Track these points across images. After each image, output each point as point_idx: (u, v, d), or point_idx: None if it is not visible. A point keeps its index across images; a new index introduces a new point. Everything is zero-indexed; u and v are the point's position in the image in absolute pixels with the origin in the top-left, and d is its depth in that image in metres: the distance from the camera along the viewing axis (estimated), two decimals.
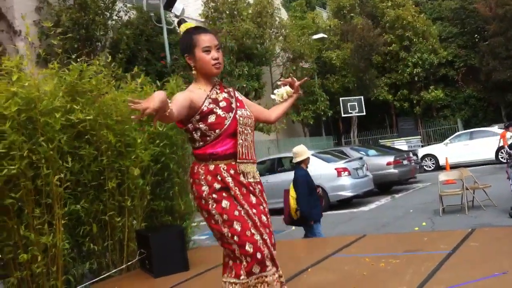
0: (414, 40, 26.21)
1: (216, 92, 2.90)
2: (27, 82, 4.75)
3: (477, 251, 4.35)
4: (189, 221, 6.64)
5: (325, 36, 24.82)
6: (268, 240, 2.80)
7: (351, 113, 24.22)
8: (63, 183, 5.01)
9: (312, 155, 13.30)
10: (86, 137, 5.35)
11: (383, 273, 4.06)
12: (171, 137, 6.23)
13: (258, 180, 2.96)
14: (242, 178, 2.85)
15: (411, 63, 26.41)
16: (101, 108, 5.48)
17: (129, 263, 5.83)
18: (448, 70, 27.78)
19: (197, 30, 2.91)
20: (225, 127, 2.82)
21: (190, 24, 2.98)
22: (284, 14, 25.43)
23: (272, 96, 3.30)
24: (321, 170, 12.62)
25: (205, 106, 2.80)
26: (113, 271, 5.75)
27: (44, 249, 4.95)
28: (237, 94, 3.04)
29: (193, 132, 2.83)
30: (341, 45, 25.88)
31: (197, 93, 2.84)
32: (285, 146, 23.06)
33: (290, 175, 12.95)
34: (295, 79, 3.26)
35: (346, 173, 12.37)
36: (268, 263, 2.76)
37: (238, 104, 2.94)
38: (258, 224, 2.81)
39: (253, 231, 2.77)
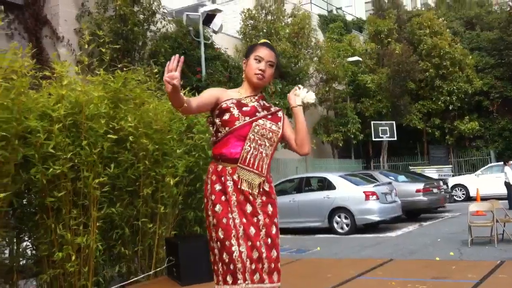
0: (451, 69, 26.01)
1: (250, 100, 3.00)
2: (78, 87, 4.96)
3: (506, 283, 4.32)
4: None
5: (360, 59, 24.85)
6: (244, 253, 2.79)
7: (382, 137, 24.08)
8: (101, 186, 5.17)
9: (340, 176, 13.37)
10: (126, 143, 5.51)
11: None
12: (206, 150, 6.36)
13: (266, 191, 2.93)
14: (243, 186, 2.87)
15: (446, 92, 26.19)
16: (142, 117, 5.65)
17: (157, 270, 5.95)
18: (483, 100, 27.45)
19: (264, 43, 3.09)
20: (234, 127, 2.90)
21: (263, 40, 3.17)
22: (320, 36, 25.59)
23: (310, 97, 3.08)
24: (349, 192, 12.62)
25: (225, 103, 2.94)
26: (141, 276, 5.87)
27: (78, 249, 5.11)
28: (280, 113, 3.07)
29: (211, 125, 3.05)
30: (376, 69, 25.85)
31: (229, 93, 3.03)
32: (313, 166, 23.05)
33: (317, 194, 13.08)
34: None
35: (374, 197, 12.31)
36: (239, 276, 2.77)
37: (269, 117, 3.00)
38: (241, 235, 2.82)
39: (233, 242, 2.80)
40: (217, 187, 2.88)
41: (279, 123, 3.04)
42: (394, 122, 24.36)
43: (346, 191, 12.71)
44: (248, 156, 2.89)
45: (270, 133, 2.98)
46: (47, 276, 5.05)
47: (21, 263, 5.27)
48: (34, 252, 5.37)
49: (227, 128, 2.91)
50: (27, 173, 4.82)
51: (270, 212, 2.94)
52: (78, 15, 16.26)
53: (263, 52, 3.00)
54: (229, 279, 2.79)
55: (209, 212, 2.90)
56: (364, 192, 12.44)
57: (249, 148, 2.90)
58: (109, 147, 5.26)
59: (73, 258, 5.02)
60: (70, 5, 16.30)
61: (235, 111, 2.93)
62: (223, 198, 2.87)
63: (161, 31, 17.13)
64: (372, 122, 24.22)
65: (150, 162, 5.76)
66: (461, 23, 31.11)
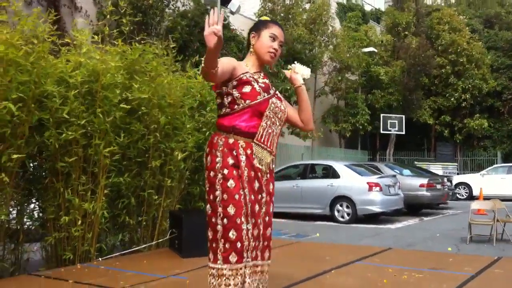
0: (467, 66, 25.86)
1: (259, 76, 2.96)
2: (97, 55, 5.05)
3: (501, 277, 4.42)
4: None
5: (375, 50, 24.75)
6: (250, 231, 2.80)
7: (390, 130, 24.07)
8: (111, 155, 5.27)
9: (346, 165, 13.44)
10: (138, 114, 5.61)
11: (405, 284, 4.18)
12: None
13: (270, 170, 2.96)
14: (255, 162, 2.86)
15: (460, 88, 26.07)
16: (156, 89, 5.73)
17: (159, 241, 6.08)
18: (495, 101, 27.33)
19: (275, 22, 3.07)
20: (256, 101, 2.86)
21: (267, 18, 3.15)
22: (337, 24, 25.46)
23: (306, 72, 3.10)
24: (352, 182, 12.70)
25: (244, 75, 2.86)
26: (142, 246, 6.00)
27: (84, 215, 5.23)
28: (277, 92, 3.09)
29: (224, 97, 2.87)
30: (390, 61, 25.74)
31: (242, 65, 2.92)
32: (319, 154, 23.13)
33: (321, 182, 13.17)
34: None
35: (378, 188, 12.38)
36: (245, 254, 2.77)
37: (276, 95, 3.01)
38: (249, 212, 2.81)
39: (243, 219, 2.77)
40: (230, 160, 2.81)
41: (283, 102, 3.06)
42: (403, 116, 24.34)
43: (350, 180, 12.79)
44: (264, 133, 2.88)
45: (281, 112, 3.00)
46: (52, 238, 5.18)
47: (27, 224, 5.41)
48: (41, 214, 5.50)
49: (248, 101, 2.83)
50: (41, 137, 4.94)
51: (271, 190, 2.99)
52: None
53: (277, 30, 2.96)
54: (232, 258, 2.73)
55: (217, 187, 2.78)
56: (367, 182, 12.51)
57: (265, 125, 2.89)
58: (122, 117, 5.37)
59: (79, 223, 5.16)
60: None
61: (256, 85, 2.88)
62: (235, 172, 2.80)
63: (179, 8, 17.14)
64: (381, 115, 24.22)
65: (161, 135, 5.85)
66: (480, 21, 30.84)
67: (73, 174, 5.16)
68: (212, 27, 2.43)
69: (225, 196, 2.77)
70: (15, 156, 4.47)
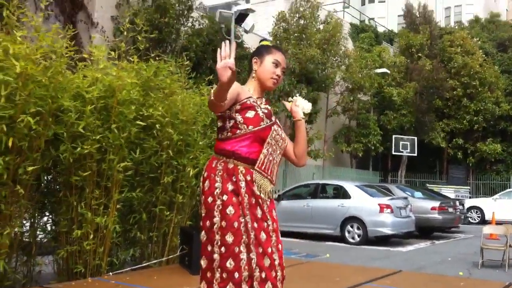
0: (480, 89, 25.82)
1: (261, 102, 2.91)
2: (113, 71, 5.13)
3: None
4: None
5: (388, 71, 24.79)
6: (254, 260, 2.66)
7: (402, 152, 23.98)
8: (124, 170, 5.32)
9: (357, 186, 13.39)
10: (152, 131, 5.67)
11: None
12: None
13: (270, 198, 2.84)
14: (255, 188, 2.74)
15: (473, 111, 25.99)
16: (170, 106, 5.80)
17: (169, 257, 6.09)
18: (508, 125, 27.18)
19: (278, 47, 3.01)
20: (259, 127, 2.78)
21: (268, 42, 3.06)
22: (350, 44, 25.58)
23: (307, 106, 3.05)
24: (363, 203, 12.63)
25: (248, 100, 2.79)
26: (153, 261, 6.02)
27: (96, 229, 5.27)
28: (277, 120, 3.00)
29: (227, 120, 2.77)
30: (403, 83, 25.76)
31: (245, 90, 2.84)
32: (330, 173, 23.08)
33: (332, 202, 13.13)
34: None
35: (389, 210, 12.30)
36: (243, 285, 2.63)
37: (276, 123, 2.93)
38: (252, 241, 2.68)
39: (241, 248, 2.64)
40: (230, 186, 2.70)
41: (283, 131, 2.99)
42: (416, 137, 24.26)
43: (361, 201, 12.73)
44: (266, 161, 2.79)
45: (281, 140, 2.92)
46: (64, 252, 5.22)
47: (40, 237, 5.46)
48: (53, 227, 5.55)
49: (250, 127, 2.75)
50: (56, 150, 5.01)
51: (275, 217, 2.85)
52: (118, 4, 16.53)
53: (280, 57, 2.92)
54: None
55: (216, 213, 2.65)
56: (379, 204, 12.44)
57: (266, 152, 2.80)
58: (136, 133, 5.43)
59: (91, 237, 5.19)
60: None
61: (260, 111, 2.81)
62: (234, 199, 2.68)
63: (194, 26, 17.35)
64: (393, 136, 24.16)
65: (173, 152, 5.90)
66: (494, 44, 30.83)
67: (87, 188, 5.22)
68: (225, 61, 2.35)
69: (223, 223, 2.64)
70: (30, 168, 4.53)
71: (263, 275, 2.65)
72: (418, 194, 15.37)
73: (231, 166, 2.71)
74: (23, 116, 4.36)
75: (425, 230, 14.35)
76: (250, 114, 2.76)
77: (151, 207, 5.92)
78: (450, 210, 14.51)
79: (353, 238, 12.50)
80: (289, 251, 10.12)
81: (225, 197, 2.67)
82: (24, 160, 4.58)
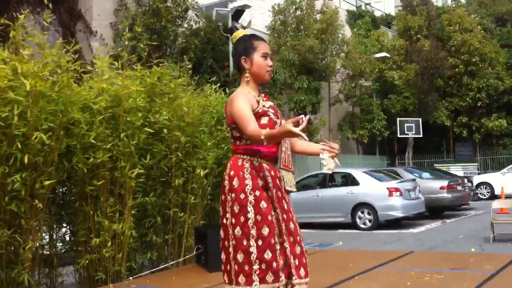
0: (480, 65, 25.80)
1: (262, 99, 3.00)
2: (119, 81, 5.29)
3: None
4: None
5: (388, 55, 24.81)
6: (288, 249, 2.84)
7: (407, 134, 24.05)
8: (136, 177, 5.48)
9: (364, 172, 13.52)
10: (160, 136, 5.82)
11: (427, 285, 4.30)
12: None
13: (294, 190, 3.04)
14: (281, 183, 2.95)
15: (475, 88, 26.00)
16: (175, 110, 5.95)
17: (186, 257, 6.26)
18: None
19: (255, 37, 3.09)
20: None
21: (243, 31, 3.16)
22: (347, 31, 25.61)
23: (323, 170, 3.04)
24: (372, 188, 12.76)
25: (260, 108, 2.91)
26: (170, 263, 6.18)
27: (113, 236, 5.43)
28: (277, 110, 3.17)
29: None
30: (404, 65, 25.78)
31: (250, 96, 2.93)
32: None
33: (341, 190, 13.26)
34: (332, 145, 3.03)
35: (398, 193, 12.43)
36: (281, 274, 2.78)
37: (279, 113, 3.09)
38: (284, 231, 2.86)
39: (276, 239, 2.81)
40: (259, 182, 2.86)
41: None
42: (420, 119, 24.32)
43: (370, 187, 12.86)
44: (285, 157, 3.01)
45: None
46: (84, 260, 5.39)
47: (59, 248, 5.64)
48: (72, 238, 5.72)
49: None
50: (69, 163, 5.18)
51: (292, 208, 3.03)
52: (116, 10, 16.62)
53: (265, 46, 3.01)
54: (268, 278, 2.74)
55: (249, 209, 2.79)
56: (387, 188, 12.56)
57: (284, 149, 3.01)
58: (145, 139, 5.59)
59: (109, 244, 5.35)
60: (104, 0, 16.72)
61: (271, 115, 2.95)
62: (265, 194, 2.85)
63: (192, 27, 17.45)
64: (398, 119, 24.22)
65: (182, 154, 6.05)
66: (492, 19, 30.71)
67: (101, 197, 5.38)
68: (300, 130, 2.49)
69: (258, 217, 2.79)
70: (47, 182, 4.70)
71: (297, 262, 2.85)
72: (426, 174, 15.47)
73: (256, 163, 2.89)
74: (36, 133, 4.52)
75: (435, 210, 14.43)
76: (265, 120, 2.91)
77: (165, 210, 6.08)
78: (459, 188, 14.61)
79: (364, 224, 12.64)
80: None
81: (257, 193, 2.83)
82: (40, 175, 4.74)
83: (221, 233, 2.99)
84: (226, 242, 2.92)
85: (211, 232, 5.88)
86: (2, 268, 4.57)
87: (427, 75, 24.68)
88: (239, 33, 3.12)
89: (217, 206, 6.76)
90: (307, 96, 19.58)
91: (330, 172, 2.98)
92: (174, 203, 6.10)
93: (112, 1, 16.81)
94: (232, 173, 2.89)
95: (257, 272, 2.74)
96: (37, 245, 4.95)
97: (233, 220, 2.84)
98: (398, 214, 12.38)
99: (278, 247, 2.81)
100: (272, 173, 2.92)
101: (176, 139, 5.94)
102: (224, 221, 2.93)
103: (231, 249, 2.87)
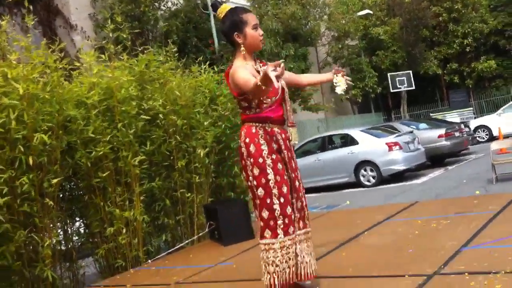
0: (463, 11, 25.72)
1: (260, 66, 3.23)
2: (108, 73, 5.34)
3: None
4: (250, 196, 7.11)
5: (370, 12, 24.69)
6: (295, 205, 3.21)
7: (400, 88, 24.13)
8: (140, 164, 5.57)
9: (362, 131, 13.63)
10: (157, 121, 5.90)
11: (435, 231, 4.43)
12: (232, 120, 6.69)
13: (296, 142, 3.31)
14: (289, 144, 3.24)
15: (461, 34, 25.96)
16: (167, 95, 6.01)
17: (199, 235, 6.39)
18: (498, 39, 27.14)
19: (241, 9, 3.23)
20: (278, 95, 3.17)
21: (227, 6, 3.26)
22: None
23: (337, 90, 3.43)
24: (372, 145, 12.90)
25: None
26: (185, 242, 6.32)
27: (126, 223, 5.55)
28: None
29: (251, 101, 3.13)
30: (387, 20, 25.68)
31: (249, 67, 3.13)
32: (334, 124, 23.30)
33: (341, 151, 13.39)
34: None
35: (397, 147, 12.57)
36: (296, 225, 3.18)
37: None
38: (292, 188, 3.20)
39: (293, 195, 3.19)
40: (274, 146, 3.13)
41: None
42: (410, 71, 24.36)
43: (369, 144, 12.99)
44: (290, 115, 3.26)
45: (286, 87, 3.32)
46: (102, 250, 5.52)
47: (76, 242, 5.77)
48: (87, 230, 5.85)
49: (273, 98, 3.13)
50: (73, 159, 5.26)
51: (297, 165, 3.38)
52: (93, 1, 16.46)
53: (253, 17, 3.18)
54: (290, 230, 3.08)
55: (269, 171, 3.06)
56: (386, 143, 12.70)
57: (288, 107, 3.26)
58: (142, 127, 5.66)
59: (123, 231, 5.47)
60: None
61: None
62: (279, 156, 3.14)
63: (171, 9, 17.32)
64: (388, 74, 24.28)
65: (181, 136, 6.13)
66: None
67: (109, 187, 5.47)
68: (279, 73, 2.59)
69: (278, 178, 3.09)
70: (54, 180, 4.80)
71: (298, 215, 3.24)
72: (423, 125, 15.59)
73: (269, 129, 3.16)
74: (36, 134, 4.60)
75: (436, 158, 14.58)
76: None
77: (172, 192, 6.18)
78: (457, 134, 14.75)
79: (368, 181, 12.81)
80: (310, 206, 10.39)
81: (273, 156, 3.11)
82: (46, 174, 4.83)
83: (250, 193, 3.32)
84: (254, 200, 3.23)
85: (220, 208, 6.01)
86: (25, 267, 4.70)
87: (411, 27, 24.64)
88: (224, 8, 3.22)
89: (222, 182, 6.88)
90: (296, 63, 19.56)
91: (343, 92, 3.38)
92: (180, 185, 6.20)
93: None
94: (247, 140, 3.14)
95: (281, 226, 3.06)
96: (54, 241, 5.06)
97: (255, 182, 3.11)
98: (400, 167, 12.55)
99: (293, 201, 3.18)
100: (283, 135, 3.21)
101: (172, 123, 6.01)
102: (249, 183, 3.20)
103: (256, 206, 3.17)
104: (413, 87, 24.26)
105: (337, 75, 3.41)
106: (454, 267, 3.42)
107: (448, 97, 27.59)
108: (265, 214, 3.09)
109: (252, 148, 3.12)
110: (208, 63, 7.22)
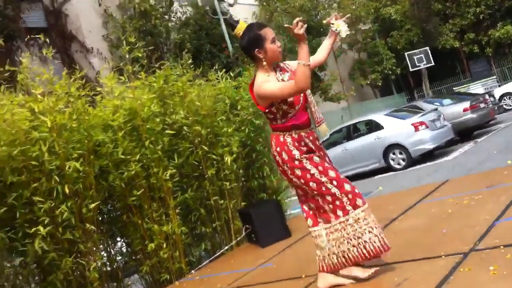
0: None
1: (280, 74, 3.39)
2: (130, 94, 5.50)
3: None
4: (282, 194, 7.21)
5: None
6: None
7: (419, 66, 23.86)
8: (171, 177, 5.71)
9: (386, 115, 13.57)
10: (181, 134, 6.03)
11: (467, 208, 4.44)
12: (254, 123, 6.78)
13: (327, 135, 3.57)
14: (318, 143, 3.41)
15: (473, 2, 25.53)
16: (189, 106, 6.14)
17: (237, 239, 6.50)
18: None
19: (258, 26, 3.42)
20: (301, 102, 3.35)
21: (244, 23, 3.45)
22: None
23: (342, 34, 3.47)
24: (398, 128, 12.86)
25: None
26: (225, 248, 6.43)
27: (165, 237, 5.69)
28: (288, 65, 3.51)
29: (276, 113, 3.32)
30: None
31: (272, 79, 3.32)
32: (357, 111, 23.19)
33: (368, 138, 13.35)
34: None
35: (423, 126, 12.50)
36: (359, 201, 3.32)
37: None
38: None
39: (342, 176, 3.36)
40: (304, 149, 3.31)
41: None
42: (427, 48, 24.07)
43: (395, 127, 12.95)
44: (315, 115, 3.44)
45: (309, 92, 3.45)
46: (146, 266, 5.67)
47: (120, 261, 5.95)
48: (129, 249, 6.02)
49: (296, 107, 3.32)
50: (106, 181, 5.43)
51: None
52: (104, 22, 16.74)
53: (270, 31, 3.36)
54: (358, 202, 3.27)
55: (308, 167, 3.27)
56: (412, 124, 12.65)
57: (313, 108, 3.43)
58: (169, 141, 5.79)
59: (164, 245, 5.61)
60: (90, 15, 16.86)
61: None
62: (312, 154, 3.33)
63: (181, 18, 17.51)
64: (406, 54, 24.03)
65: (207, 146, 6.22)
66: None
67: (144, 204, 5.62)
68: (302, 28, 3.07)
69: (320, 168, 3.29)
70: (92, 205, 4.97)
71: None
72: (446, 101, 15.44)
73: (296, 136, 3.32)
74: (68, 162, 4.77)
75: (464, 132, 14.45)
76: (290, 98, 3.29)
77: (205, 201, 6.30)
78: (482, 105, 14.58)
79: (398, 164, 12.78)
80: None
81: (306, 155, 3.31)
82: (83, 200, 5.00)
83: (296, 192, 3.51)
84: (303, 198, 3.45)
85: (254, 211, 6.11)
86: None
87: (422, 3, 24.37)
88: (241, 26, 3.41)
89: (253, 185, 6.97)
90: (312, 55, 19.53)
91: (343, 36, 3.42)
92: (212, 193, 6.30)
93: (98, 14, 16.95)
94: (278, 149, 3.35)
95: (348, 203, 3.26)
96: (100, 263, 5.23)
97: (302, 181, 3.32)
98: (429, 146, 12.48)
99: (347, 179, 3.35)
100: (311, 138, 3.37)
101: (197, 133, 6.12)
102: (296, 184, 3.40)
103: (317, 198, 3.35)
104: (432, 63, 23.96)
105: (332, 24, 3.43)
106: (488, 242, 3.44)
107: (469, 68, 27.20)
108: (329, 198, 3.30)
109: (284, 155, 3.32)
110: (224, 69, 7.31)
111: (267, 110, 3.34)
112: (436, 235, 3.99)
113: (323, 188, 3.28)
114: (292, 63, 3.51)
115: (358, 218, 3.28)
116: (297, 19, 3.11)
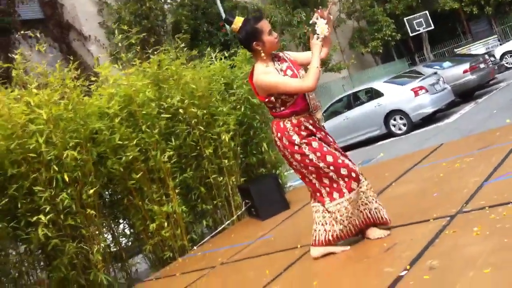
0: None
1: (279, 64, 3.52)
2: (124, 81, 5.61)
3: None
4: (281, 168, 7.33)
5: None
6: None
7: (419, 30, 23.65)
8: (169, 159, 5.84)
9: (385, 82, 13.58)
10: (178, 117, 6.14)
11: (458, 171, 4.53)
12: (251, 100, 6.86)
13: (323, 123, 3.62)
14: (318, 124, 3.52)
15: None
16: (184, 89, 6.23)
17: (238, 214, 6.65)
18: None
19: (254, 19, 3.50)
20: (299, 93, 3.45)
21: (240, 18, 3.50)
22: None
23: (318, 30, 3.37)
24: (398, 94, 12.88)
25: (281, 75, 3.43)
26: (226, 223, 6.59)
27: (167, 217, 5.85)
28: (287, 54, 3.63)
29: (276, 102, 3.45)
30: None
31: (271, 70, 3.46)
32: (359, 79, 23.13)
33: (368, 106, 13.39)
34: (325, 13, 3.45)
35: (423, 91, 12.52)
36: (361, 177, 3.50)
37: (295, 63, 3.57)
38: (342, 153, 3.54)
39: (342, 158, 3.46)
40: (303, 133, 3.43)
41: (296, 62, 3.61)
42: (427, 11, 23.82)
43: (395, 93, 12.98)
44: (314, 102, 3.51)
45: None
46: (149, 245, 5.85)
47: (124, 242, 6.13)
48: (131, 230, 6.20)
49: (295, 96, 3.43)
50: (105, 167, 5.57)
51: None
52: (99, 10, 16.75)
53: (266, 23, 3.47)
54: (353, 185, 3.42)
55: (307, 152, 3.40)
56: (412, 89, 12.67)
57: (311, 96, 3.51)
58: (165, 124, 5.91)
59: (165, 225, 5.77)
60: (86, 4, 16.89)
61: (289, 73, 3.46)
62: (312, 137, 3.44)
63: (177, 0, 17.45)
64: (405, 19, 23.81)
65: (203, 126, 6.34)
66: None
67: (144, 187, 5.77)
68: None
69: (318, 153, 3.42)
70: (91, 191, 5.13)
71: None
72: (446, 64, 15.37)
73: (295, 121, 3.44)
74: (66, 151, 4.91)
75: (466, 94, 14.44)
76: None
77: (205, 179, 6.44)
78: (482, 66, 14.52)
79: (400, 129, 12.84)
80: None
81: (305, 140, 3.43)
82: (82, 186, 5.16)
83: (298, 175, 3.63)
84: (305, 179, 3.57)
85: (252, 186, 6.25)
86: (80, 275, 5.07)
87: None
88: (238, 21, 3.49)
89: (252, 161, 7.09)
90: (309, 28, 19.43)
91: (322, 36, 3.39)
92: (211, 171, 6.43)
93: (93, 2, 16.95)
94: (279, 135, 3.49)
95: (344, 185, 3.42)
96: (103, 246, 5.40)
97: (302, 164, 3.47)
98: (429, 110, 12.51)
99: (347, 162, 3.46)
100: (310, 121, 3.48)
101: (193, 115, 6.22)
102: (294, 167, 3.57)
103: (314, 181, 3.51)
104: (432, 27, 23.73)
105: (316, 24, 3.39)
106: (475, 204, 3.53)
107: (470, 29, 26.92)
108: (326, 181, 3.46)
109: (284, 140, 3.46)
110: (221, 47, 7.33)
111: (266, 100, 3.47)
112: (427, 199, 4.10)
113: (321, 172, 3.43)
114: (293, 54, 3.66)
115: (352, 201, 3.45)
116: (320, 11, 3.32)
